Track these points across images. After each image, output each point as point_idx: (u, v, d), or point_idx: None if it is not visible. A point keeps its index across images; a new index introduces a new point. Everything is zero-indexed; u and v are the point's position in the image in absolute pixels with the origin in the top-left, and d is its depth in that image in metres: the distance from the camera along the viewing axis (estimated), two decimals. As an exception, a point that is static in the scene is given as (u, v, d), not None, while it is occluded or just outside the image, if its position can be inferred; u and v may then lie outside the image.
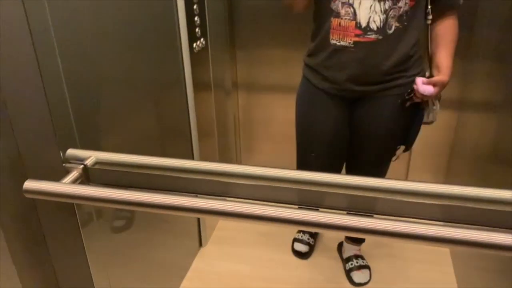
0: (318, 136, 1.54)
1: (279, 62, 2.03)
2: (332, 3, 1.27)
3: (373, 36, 1.26)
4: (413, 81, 1.33)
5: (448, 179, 2.10)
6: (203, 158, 1.78)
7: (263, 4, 1.95)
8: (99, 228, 1.12)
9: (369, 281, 1.76)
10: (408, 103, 1.35)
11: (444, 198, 0.69)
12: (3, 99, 0.74)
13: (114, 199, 0.64)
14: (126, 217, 1.32)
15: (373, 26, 1.25)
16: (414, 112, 1.40)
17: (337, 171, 1.64)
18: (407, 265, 1.83)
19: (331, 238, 1.98)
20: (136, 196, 0.64)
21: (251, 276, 1.79)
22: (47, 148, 0.76)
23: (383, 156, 1.53)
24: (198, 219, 1.89)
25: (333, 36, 1.30)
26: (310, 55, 1.44)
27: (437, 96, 1.36)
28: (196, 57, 1.58)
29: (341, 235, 1.92)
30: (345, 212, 0.67)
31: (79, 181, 0.72)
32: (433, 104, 1.37)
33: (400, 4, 1.24)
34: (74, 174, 0.71)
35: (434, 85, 1.26)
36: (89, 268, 0.93)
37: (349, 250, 1.84)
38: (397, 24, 1.26)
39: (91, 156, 0.75)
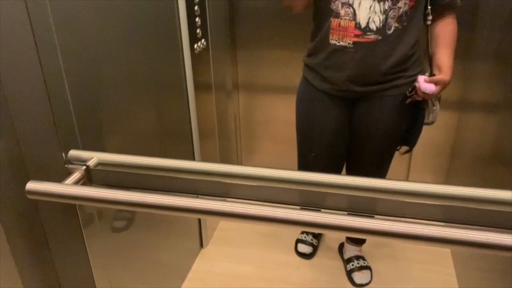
0: (318, 136, 1.54)
1: (279, 62, 2.04)
2: (332, 4, 1.27)
3: (372, 37, 1.26)
4: (413, 81, 1.33)
5: (448, 180, 2.10)
6: (204, 159, 1.78)
7: (264, 5, 1.95)
8: (101, 229, 1.13)
9: (370, 282, 1.76)
10: (408, 100, 1.35)
11: (444, 198, 0.69)
12: (6, 99, 0.74)
13: (117, 200, 0.65)
14: (127, 218, 1.32)
15: (372, 26, 1.25)
16: (415, 113, 1.41)
17: (338, 171, 1.64)
18: (408, 265, 1.83)
19: (332, 238, 1.98)
20: (139, 197, 0.64)
21: (252, 276, 1.79)
22: (49, 149, 0.76)
23: (383, 156, 1.53)
24: (199, 220, 1.89)
25: (332, 36, 1.31)
26: (309, 55, 1.44)
27: (437, 97, 1.37)
28: (197, 58, 1.58)
29: (342, 236, 1.92)
30: (345, 213, 0.68)
31: (81, 182, 0.72)
32: (433, 105, 1.37)
33: (400, 4, 1.24)
34: (76, 175, 0.72)
35: (435, 84, 1.27)
36: (91, 269, 0.93)
37: (350, 251, 1.84)
38: (397, 25, 1.26)
39: (93, 157, 0.75)
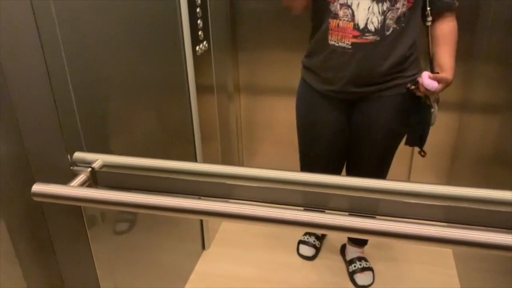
0: (318, 137, 1.54)
1: (281, 64, 2.04)
2: (331, 5, 1.28)
3: (371, 38, 1.27)
4: (411, 81, 1.33)
5: (450, 181, 2.10)
6: (206, 160, 1.78)
7: (265, 7, 1.96)
8: (104, 230, 1.13)
9: (372, 283, 1.76)
10: (410, 87, 1.34)
11: (445, 199, 0.70)
12: (12, 103, 0.75)
13: (123, 202, 0.65)
14: (129, 220, 1.32)
15: (371, 27, 1.26)
16: (420, 113, 1.39)
17: (338, 170, 1.65)
18: (410, 267, 1.83)
19: (334, 240, 1.98)
20: (145, 199, 0.65)
21: (254, 278, 1.80)
22: (55, 151, 0.77)
23: (383, 156, 1.54)
24: (201, 221, 1.89)
25: (331, 37, 1.31)
26: (308, 56, 1.45)
27: (435, 98, 1.37)
28: (199, 60, 1.59)
29: (344, 237, 1.92)
30: (347, 213, 0.68)
31: (87, 184, 0.73)
32: (432, 107, 1.37)
33: (398, 5, 1.25)
34: (82, 177, 0.72)
35: (438, 81, 1.26)
36: (95, 270, 0.94)
37: (352, 252, 1.84)
38: (395, 26, 1.27)
39: (98, 159, 0.76)
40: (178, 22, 1.44)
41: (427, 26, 1.34)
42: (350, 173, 1.64)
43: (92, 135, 1.04)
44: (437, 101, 1.39)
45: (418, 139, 1.43)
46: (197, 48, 1.57)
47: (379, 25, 1.25)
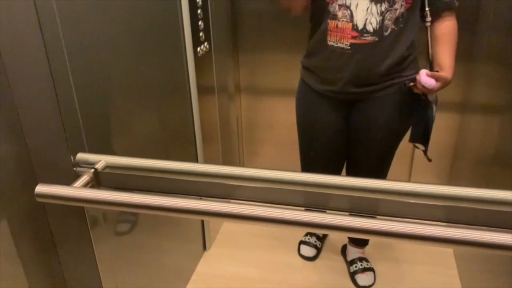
0: (317, 137, 1.55)
1: (281, 66, 2.04)
2: (330, 5, 1.28)
3: (369, 38, 1.27)
4: (409, 79, 1.33)
5: (451, 181, 2.10)
6: (207, 161, 1.79)
7: (266, 8, 1.96)
8: (106, 231, 1.13)
9: (373, 283, 1.76)
10: (408, 84, 1.33)
11: (446, 199, 0.70)
12: (15, 104, 0.75)
13: (127, 202, 0.65)
14: (130, 221, 1.32)
15: (369, 28, 1.26)
16: (420, 110, 1.39)
17: (338, 170, 1.65)
18: (411, 267, 1.84)
19: (335, 240, 1.98)
20: (148, 200, 0.65)
21: (255, 278, 1.80)
22: (58, 152, 0.77)
23: (383, 156, 1.54)
24: (202, 222, 1.89)
25: (330, 37, 1.32)
26: (307, 56, 1.45)
27: (434, 99, 1.37)
28: (200, 61, 1.59)
29: (344, 238, 1.92)
30: (347, 214, 0.68)
31: (90, 185, 0.73)
32: (432, 103, 1.37)
33: (396, 6, 1.25)
34: (85, 178, 0.72)
35: (436, 80, 1.26)
36: (98, 271, 0.94)
37: (353, 252, 1.85)
38: (393, 26, 1.27)
39: (101, 160, 0.76)
40: (179, 23, 1.45)
41: (426, 26, 1.34)
42: (350, 173, 1.64)
43: (94, 136, 1.04)
44: (436, 102, 1.39)
45: (421, 135, 1.41)
46: (198, 49, 1.57)
47: (378, 26, 1.26)
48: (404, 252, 1.90)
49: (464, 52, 1.78)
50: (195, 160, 1.72)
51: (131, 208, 0.66)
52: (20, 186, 0.87)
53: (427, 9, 1.31)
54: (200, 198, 0.73)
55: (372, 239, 1.83)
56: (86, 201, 0.68)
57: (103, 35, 1.04)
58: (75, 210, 0.86)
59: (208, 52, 1.66)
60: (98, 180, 0.75)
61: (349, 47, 1.29)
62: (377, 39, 1.27)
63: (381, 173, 1.58)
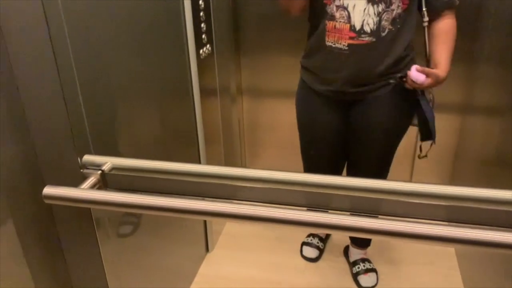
0: (317, 136, 1.56)
1: (283, 68, 2.05)
2: (327, 6, 1.29)
3: (367, 39, 1.28)
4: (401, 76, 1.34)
5: (452, 182, 2.11)
6: (209, 163, 1.79)
7: (268, 11, 1.97)
8: (110, 233, 1.14)
9: (376, 284, 1.76)
10: (399, 78, 1.34)
11: (447, 199, 0.70)
12: (23, 106, 0.76)
13: (135, 204, 0.66)
14: (133, 222, 1.33)
15: (367, 28, 1.27)
16: (421, 106, 1.38)
17: (339, 168, 1.65)
18: (413, 268, 1.84)
19: (338, 241, 1.99)
20: (157, 201, 0.65)
21: (258, 279, 1.80)
22: (65, 154, 0.77)
23: (383, 156, 1.55)
24: (205, 224, 1.90)
25: (328, 38, 1.33)
26: (306, 56, 1.46)
27: (430, 99, 1.37)
28: (203, 63, 1.60)
29: (347, 239, 1.92)
30: (348, 214, 0.69)
31: (97, 186, 0.73)
32: (427, 100, 1.37)
33: (393, 7, 1.26)
34: (92, 180, 0.73)
35: (427, 75, 1.26)
36: (104, 272, 0.94)
37: (355, 254, 1.85)
38: (390, 27, 1.28)
39: (107, 162, 0.76)
40: (182, 26, 1.45)
41: (424, 27, 1.35)
42: (350, 173, 1.65)
43: (98, 138, 1.05)
44: (432, 102, 1.39)
45: (428, 133, 1.41)
46: (201, 51, 1.58)
47: (375, 27, 1.27)
48: (406, 253, 1.91)
49: (466, 54, 1.79)
50: (197, 162, 1.72)
51: (139, 209, 0.67)
52: (27, 187, 0.87)
53: (424, 9, 1.32)
54: (203, 199, 0.74)
55: (373, 240, 1.84)
56: (95, 202, 0.68)
57: (107, 38, 1.05)
58: (81, 211, 0.86)
59: (210, 54, 1.66)
60: (105, 182, 0.75)
61: (346, 48, 1.30)
62: (374, 39, 1.28)
63: (382, 173, 1.58)
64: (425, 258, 1.88)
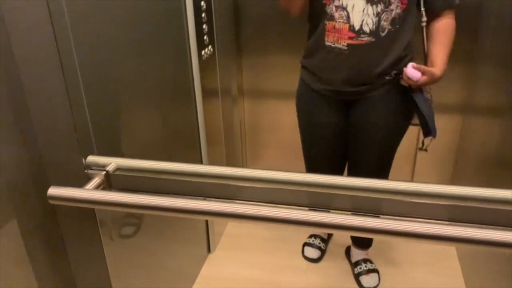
0: (318, 135, 1.57)
1: (284, 68, 2.06)
2: (327, 7, 1.30)
3: (366, 39, 1.29)
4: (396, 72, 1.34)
5: (453, 182, 2.11)
6: (212, 164, 1.79)
7: (269, 12, 1.97)
8: (114, 234, 1.14)
9: (378, 285, 1.77)
10: (394, 74, 1.35)
11: (448, 198, 0.71)
12: (27, 107, 0.76)
13: (139, 204, 0.66)
14: (135, 223, 1.33)
15: (366, 29, 1.28)
16: (419, 102, 1.38)
17: (340, 168, 1.66)
18: (415, 268, 1.84)
19: (339, 242, 1.99)
20: (161, 201, 0.66)
21: (259, 280, 1.80)
22: (69, 155, 0.78)
23: (383, 155, 1.55)
24: (207, 225, 1.90)
25: (328, 38, 1.33)
26: (306, 56, 1.47)
27: (427, 98, 1.38)
28: (204, 64, 1.60)
29: (348, 239, 1.93)
30: (350, 213, 0.69)
31: (101, 187, 0.74)
32: (423, 96, 1.37)
33: (392, 7, 1.27)
34: (96, 180, 0.74)
35: (423, 73, 1.26)
36: (108, 273, 0.95)
37: (357, 254, 1.85)
38: (390, 27, 1.29)
39: (112, 163, 0.77)
40: (184, 27, 1.46)
41: (422, 26, 1.35)
42: (351, 173, 1.65)
43: (101, 139, 1.05)
44: (430, 101, 1.40)
45: (427, 130, 1.42)
46: (203, 52, 1.58)
47: (374, 27, 1.27)
48: (408, 254, 1.91)
49: (465, 53, 1.79)
50: (199, 162, 1.73)
51: (144, 209, 0.67)
52: (31, 188, 0.88)
53: (422, 9, 1.33)
54: (206, 199, 0.74)
55: (375, 240, 1.84)
56: (99, 203, 0.69)
57: (109, 39, 1.05)
58: (85, 212, 0.87)
59: (212, 55, 1.67)
60: (110, 182, 0.76)
61: (346, 48, 1.31)
62: (373, 39, 1.29)
63: (382, 173, 1.59)
64: (427, 259, 1.88)
